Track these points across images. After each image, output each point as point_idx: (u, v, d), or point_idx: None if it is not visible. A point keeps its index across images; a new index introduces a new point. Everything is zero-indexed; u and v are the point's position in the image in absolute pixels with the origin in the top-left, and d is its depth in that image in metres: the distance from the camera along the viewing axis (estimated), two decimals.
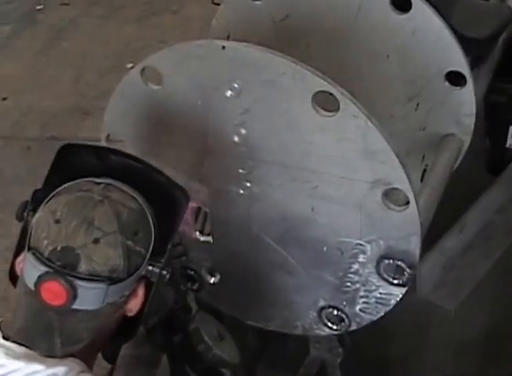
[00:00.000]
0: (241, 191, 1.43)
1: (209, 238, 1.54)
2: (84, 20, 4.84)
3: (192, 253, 1.55)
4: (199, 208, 1.52)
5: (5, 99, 4.02)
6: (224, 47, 1.31)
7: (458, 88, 1.70)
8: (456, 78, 1.70)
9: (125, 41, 4.40)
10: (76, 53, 4.40)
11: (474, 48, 1.79)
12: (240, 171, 1.41)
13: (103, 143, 1.54)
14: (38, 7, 5.17)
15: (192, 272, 1.59)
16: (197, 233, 1.54)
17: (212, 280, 1.58)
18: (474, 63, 1.81)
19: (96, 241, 1.11)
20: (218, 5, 4.52)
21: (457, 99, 1.72)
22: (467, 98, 1.71)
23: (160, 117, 1.46)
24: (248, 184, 1.42)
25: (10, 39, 4.78)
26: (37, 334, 1.14)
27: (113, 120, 1.54)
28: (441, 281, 1.97)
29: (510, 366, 1.94)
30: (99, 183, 1.18)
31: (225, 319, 1.60)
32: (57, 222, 1.12)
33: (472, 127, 1.75)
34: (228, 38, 1.84)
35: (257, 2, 1.81)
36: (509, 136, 2.24)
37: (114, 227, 1.12)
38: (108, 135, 1.55)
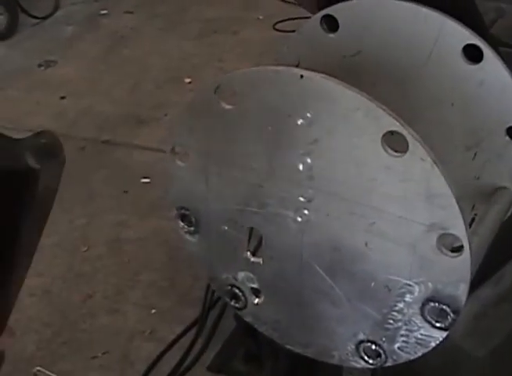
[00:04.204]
0: (298, 218, 1.46)
1: (259, 259, 1.57)
2: (145, 30, 4.93)
3: (240, 272, 1.58)
4: (253, 229, 1.55)
5: (63, 97, 4.10)
6: (302, 76, 1.34)
7: None
8: None
9: (184, 55, 4.47)
10: (135, 61, 4.49)
11: None
12: (300, 198, 1.44)
13: (169, 155, 1.58)
14: (102, 12, 5.28)
15: (237, 291, 1.62)
16: (248, 253, 1.58)
17: (256, 301, 1.61)
18: None
19: None
20: (279, 31, 4.60)
21: None
22: None
23: (227, 136, 1.49)
24: (306, 212, 1.45)
25: (72, 40, 4.88)
26: None
27: (180, 132, 1.57)
28: (472, 329, 1.97)
29: None
30: None
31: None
32: None
33: None
34: (297, 67, 1.88)
35: (330, 35, 1.85)
36: None
37: None
38: (173, 148, 1.59)
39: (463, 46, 1.68)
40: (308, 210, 1.45)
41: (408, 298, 1.41)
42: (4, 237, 0.90)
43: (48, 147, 0.90)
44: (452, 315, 1.39)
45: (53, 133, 0.92)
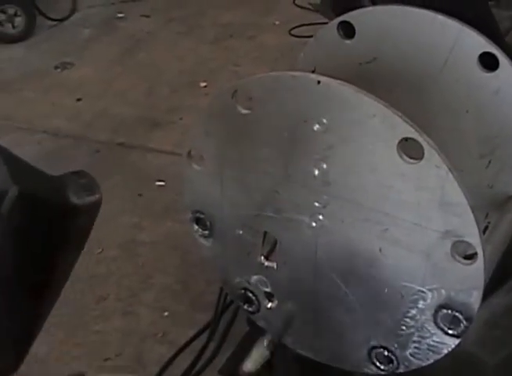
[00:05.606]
0: (313, 223, 1.47)
1: (273, 264, 1.57)
2: (162, 34, 4.95)
3: (254, 276, 1.59)
4: (268, 234, 1.55)
5: (79, 99, 4.11)
6: (319, 82, 1.35)
7: None
8: None
9: (200, 59, 4.49)
10: (150, 65, 4.51)
11: None
12: (315, 204, 1.45)
13: (185, 158, 1.59)
14: (119, 15, 5.30)
15: (250, 295, 1.63)
16: (262, 257, 1.58)
17: (269, 305, 1.62)
18: None
19: None
20: (295, 36, 4.61)
21: None
22: None
23: (244, 140, 1.50)
24: (321, 217, 1.45)
25: (89, 42, 4.90)
26: None
27: (196, 136, 1.58)
28: (483, 337, 1.97)
29: None
30: None
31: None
32: None
33: None
34: (313, 73, 1.88)
35: (347, 42, 1.85)
36: None
37: None
38: (190, 151, 1.59)
39: (479, 54, 1.68)
40: (322, 215, 1.45)
41: (421, 304, 1.41)
42: (40, 270, 0.91)
43: (88, 187, 0.92)
44: (464, 322, 1.39)
45: (90, 174, 0.94)
